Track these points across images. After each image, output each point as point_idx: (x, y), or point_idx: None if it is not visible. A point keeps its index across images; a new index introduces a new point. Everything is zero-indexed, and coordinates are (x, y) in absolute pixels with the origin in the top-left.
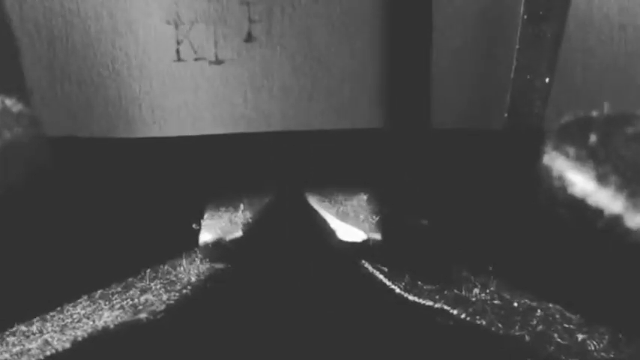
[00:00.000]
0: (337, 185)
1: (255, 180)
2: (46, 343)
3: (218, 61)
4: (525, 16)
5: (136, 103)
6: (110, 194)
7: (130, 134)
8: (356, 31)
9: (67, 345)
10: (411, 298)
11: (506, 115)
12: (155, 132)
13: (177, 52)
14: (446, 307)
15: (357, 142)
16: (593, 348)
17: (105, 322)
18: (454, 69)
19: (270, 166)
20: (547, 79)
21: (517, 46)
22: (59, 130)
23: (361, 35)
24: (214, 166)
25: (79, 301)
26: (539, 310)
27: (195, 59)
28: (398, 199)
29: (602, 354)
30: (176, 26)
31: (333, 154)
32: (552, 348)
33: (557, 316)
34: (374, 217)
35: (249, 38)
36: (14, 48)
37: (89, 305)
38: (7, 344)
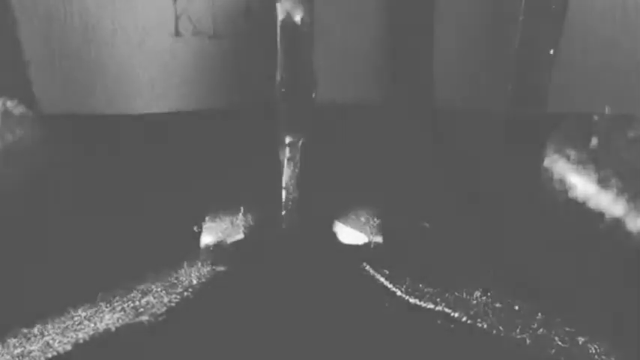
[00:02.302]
0: (339, 188)
1: (254, 151)
2: (47, 345)
3: (217, 36)
4: None
5: (135, 79)
6: (111, 190)
7: (129, 110)
8: (359, 6)
9: (69, 347)
10: (412, 300)
11: (510, 88)
12: (155, 108)
13: (176, 26)
14: (447, 310)
15: (359, 119)
16: (594, 351)
17: (106, 324)
18: (458, 46)
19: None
20: (551, 51)
21: (521, 18)
22: (58, 108)
23: (363, 11)
24: (214, 140)
25: (80, 303)
26: (540, 313)
27: (194, 34)
28: (399, 201)
29: (603, 357)
30: (174, 0)
31: (335, 129)
32: (553, 351)
33: (558, 319)
34: (375, 219)
35: (248, 13)
36: (12, 22)
37: (90, 307)
38: (8, 346)
